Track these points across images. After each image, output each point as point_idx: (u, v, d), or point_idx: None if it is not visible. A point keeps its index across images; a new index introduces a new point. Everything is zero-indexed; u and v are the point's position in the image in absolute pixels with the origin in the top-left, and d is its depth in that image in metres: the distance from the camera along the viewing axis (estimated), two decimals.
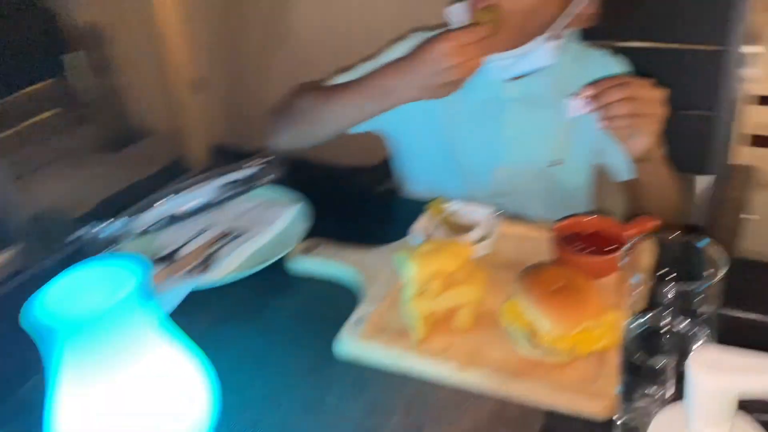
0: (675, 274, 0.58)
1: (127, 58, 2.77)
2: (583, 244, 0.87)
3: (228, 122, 2.80)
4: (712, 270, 0.55)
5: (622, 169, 1.11)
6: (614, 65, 1.13)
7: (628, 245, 0.83)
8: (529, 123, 1.12)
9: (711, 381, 0.43)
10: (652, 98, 0.89)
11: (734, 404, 0.43)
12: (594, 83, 0.90)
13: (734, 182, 1.30)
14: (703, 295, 0.54)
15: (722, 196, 1.25)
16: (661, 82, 1.28)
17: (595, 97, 0.89)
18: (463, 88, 1.10)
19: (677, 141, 1.34)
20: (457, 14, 1.07)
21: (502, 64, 1.05)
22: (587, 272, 0.82)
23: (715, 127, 1.26)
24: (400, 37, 1.22)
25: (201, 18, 2.51)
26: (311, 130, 1.15)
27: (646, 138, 0.92)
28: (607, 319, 0.72)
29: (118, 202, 1.04)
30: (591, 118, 1.08)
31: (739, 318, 0.78)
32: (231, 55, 2.66)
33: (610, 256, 0.82)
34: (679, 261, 0.60)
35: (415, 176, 1.26)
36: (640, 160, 0.98)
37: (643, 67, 1.29)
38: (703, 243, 0.57)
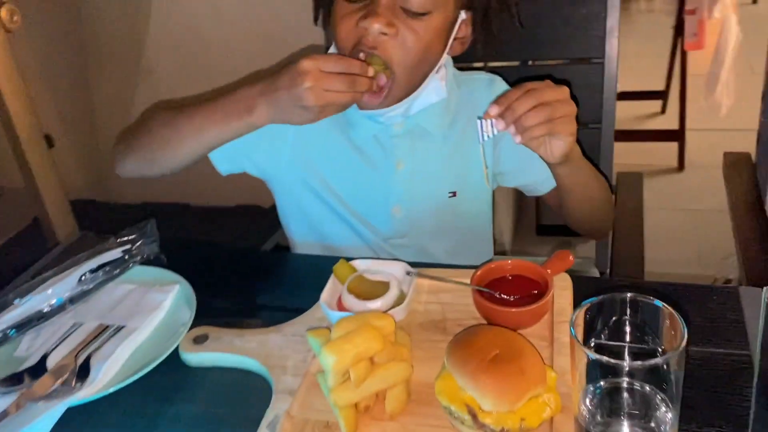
0: (629, 330, 0.53)
1: None
2: (503, 291, 0.81)
3: (90, 177, 2.58)
4: (671, 335, 0.50)
5: (541, 181, 1.07)
6: (497, 85, 1.11)
7: (551, 288, 0.78)
8: (422, 156, 1.06)
9: None
10: (560, 98, 0.84)
11: None
12: (498, 99, 0.84)
13: (628, 190, 1.30)
14: (668, 365, 0.49)
15: (622, 206, 1.24)
16: None
17: (505, 113, 0.83)
18: (347, 126, 1.03)
19: None
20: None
21: (397, 111, 0.98)
22: (515, 323, 0.76)
23: (603, 139, 1.26)
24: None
25: (47, 69, 2.31)
26: (163, 151, 0.99)
27: (565, 139, 0.87)
28: (550, 377, 0.66)
29: None
30: (490, 143, 1.04)
31: None
32: (84, 107, 2.46)
33: (538, 303, 0.76)
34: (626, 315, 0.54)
35: (303, 227, 1.15)
36: (561, 164, 0.92)
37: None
38: (659, 304, 0.51)
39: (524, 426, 0.63)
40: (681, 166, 2.87)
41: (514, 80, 1.14)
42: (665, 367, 0.48)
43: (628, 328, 0.54)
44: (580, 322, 0.54)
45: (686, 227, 2.45)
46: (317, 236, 1.12)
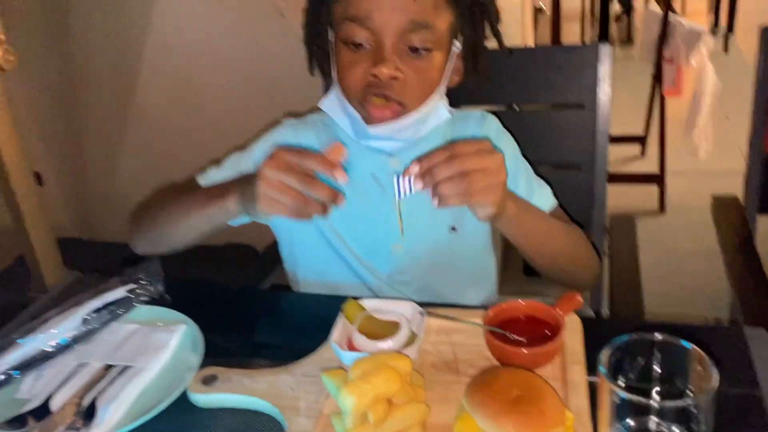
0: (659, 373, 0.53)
1: None
2: (515, 332, 0.81)
3: (77, 215, 2.56)
4: (700, 376, 0.51)
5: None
6: (488, 121, 1.12)
7: (564, 328, 0.79)
8: (420, 192, 1.06)
9: None
10: (487, 166, 0.82)
11: None
12: (421, 158, 0.82)
13: (620, 235, 1.32)
14: (698, 407, 0.49)
15: (616, 251, 1.26)
16: (537, 143, 1.32)
17: (424, 175, 0.81)
18: (345, 165, 1.03)
19: (561, 201, 1.36)
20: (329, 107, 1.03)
21: (407, 132, 1.00)
22: (529, 364, 0.77)
23: (596, 183, 1.29)
24: (275, 122, 1.14)
25: (39, 109, 2.31)
26: (162, 233, 1.05)
27: (486, 207, 0.85)
28: (568, 418, 0.66)
29: None
30: None
31: None
32: (73, 145, 2.46)
33: (551, 344, 0.77)
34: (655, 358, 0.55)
35: (306, 266, 1.15)
36: (493, 221, 0.92)
37: (521, 128, 1.32)
38: (687, 345, 0.53)
39: None
40: (662, 208, 2.93)
41: (507, 124, 1.18)
42: (695, 408, 0.49)
43: (654, 368, 0.55)
44: (605, 361, 0.55)
45: (670, 268, 2.48)
46: (319, 275, 1.12)
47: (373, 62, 0.94)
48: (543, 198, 1.10)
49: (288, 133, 1.11)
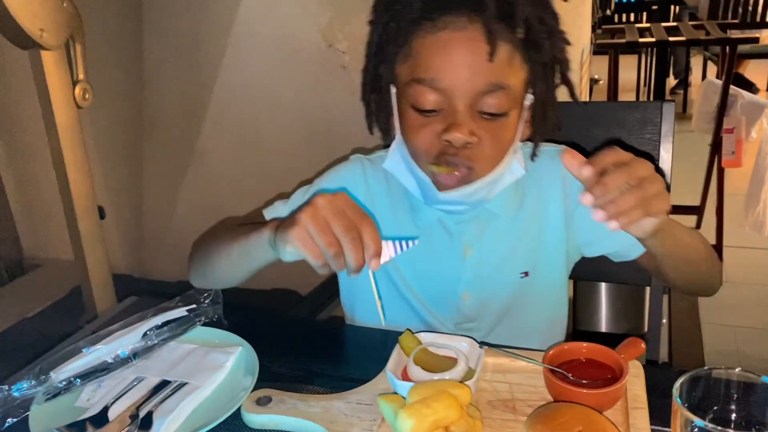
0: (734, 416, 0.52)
1: (21, 183, 2.59)
2: (576, 374, 0.79)
3: (131, 252, 2.63)
4: None
5: (629, 247, 1.00)
6: (558, 155, 1.08)
7: (627, 372, 0.77)
8: (491, 240, 1.03)
9: None
10: (649, 173, 0.74)
11: None
12: (591, 160, 0.73)
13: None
14: None
15: (676, 307, 1.23)
16: None
17: (597, 185, 0.72)
18: (411, 211, 1.03)
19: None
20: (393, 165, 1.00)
21: (479, 195, 0.95)
22: (590, 406, 0.74)
23: None
24: (342, 158, 1.15)
25: (104, 143, 2.41)
26: (212, 269, 1.02)
27: (659, 217, 0.76)
28: None
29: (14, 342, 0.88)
30: (564, 219, 1.03)
31: None
32: (134, 181, 2.55)
33: (614, 387, 0.75)
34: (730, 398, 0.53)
35: (362, 310, 1.12)
36: (650, 237, 0.82)
37: None
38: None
39: None
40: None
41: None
42: None
43: (733, 406, 0.53)
44: (677, 394, 0.53)
45: (727, 342, 2.39)
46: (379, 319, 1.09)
47: (446, 127, 0.88)
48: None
49: (356, 171, 1.08)
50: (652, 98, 5.40)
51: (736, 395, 0.53)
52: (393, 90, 0.96)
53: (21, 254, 2.70)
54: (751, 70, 5.18)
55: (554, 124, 1.00)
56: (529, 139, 1.01)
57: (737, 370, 0.53)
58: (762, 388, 0.52)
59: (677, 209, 3.24)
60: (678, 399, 0.51)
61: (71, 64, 1.92)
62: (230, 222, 1.11)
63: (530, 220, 1.04)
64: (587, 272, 1.27)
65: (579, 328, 2.45)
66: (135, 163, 2.52)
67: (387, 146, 1.04)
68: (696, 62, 5.67)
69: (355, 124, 1.10)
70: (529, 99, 0.95)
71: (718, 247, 2.85)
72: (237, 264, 0.97)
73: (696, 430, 0.49)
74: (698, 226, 3.30)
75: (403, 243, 0.80)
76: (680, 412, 0.51)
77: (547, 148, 1.05)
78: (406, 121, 0.94)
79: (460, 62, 0.87)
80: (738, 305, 2.66)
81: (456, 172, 0.91)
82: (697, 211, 3.29)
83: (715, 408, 0.54)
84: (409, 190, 1.00)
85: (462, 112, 0.88)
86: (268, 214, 1.08)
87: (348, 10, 2.13)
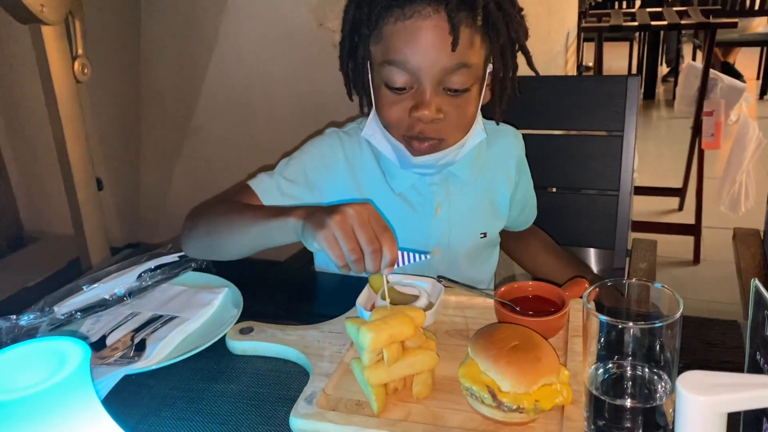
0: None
1: (20, 159, 2.67)
2: (523, 307, 0.89)
3: (128, 223, 2.72)
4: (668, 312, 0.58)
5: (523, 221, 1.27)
6: (520, 137, 1.23)
7: (568, 304, 0.86)
8: (457, 201, 1.15)
9: (701, 400, 0.44)
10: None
11: (724, 422, 0.45)
12: None
13: (641, 254, 1.39)
14: (663, 337, 0.57)
15: (635, 267, 1.32)
16: (567, 166, 1.42)
17: None
18: (387, 176, 1.13)
19: (588, 220, 1.45)
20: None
21: (447, 158, 1.06)
22: None
23: (619, 204, 1.37)
24: (318, 132, 1.23)
25: (102, 116, 2.49)
26: (218, 241, 1.04)
27: None
28: (563, 374, 0.73)
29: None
30: (510, 192, 1.18)
31: None
32: (131, 155, 2.63)
33: (554, 316, 0.85)
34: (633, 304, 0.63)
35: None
36: None
37: (553, 151, 1.42)
38: (658, 285, 0.60)
39: (538, 407, 0.70)
40: (696, 259, 2.95)
41: (542, 147, 1.27)
42: (661, 336, 0.56)
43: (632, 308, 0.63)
44: (591, 300, 0.63)
45: (702, 313, 2.49)
46: None
47: (415, 105, 0.99)
48: (531, 211, 1.32)
49: (335, 143, 1.16)
50: (644, 86, 5.50)
51: (635, 299, 0.63)
52: (368, 67, 1.05)
53: (21, 228, 2.79)
54: (741, 59, 5.27)
55: (513, 90, 1.11)
56: (489, 103, 1.12)
57: (634, 279, 0.63)
58: (654, 290, 0.62)
59: (661, 191, 3.30)
60: (586, 303, 0.61)
61: (70, 39, 2.00)
62: (223, 197, 1.12)
63: (488, 186, 1.19)
64: (555, 237, 1.38)
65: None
66: (132, 136, 2.60)
67: (362, 116, 1.14)
68: (687, 51, 5.76)
69: (344, 100, 1.17)
70: (489, 69, 1.06)
71: (697, 228, 2.94)
72: (252, 241, 0.99)
73: (600, 325, 0.59)
74: (681, 207, 3.41)
75: (415, 255, 0.91)
76: (589, 313, 0.60)
77: (509, 128, 1.22)
78: (380, 97, 1.03)
79: (427, 47, 0.96)
80: (711, 279, 2.76)
81: (427, 143, 1.02)
82: (680, 192, 3.39)
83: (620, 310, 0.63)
84: (385, 156, 1.10)
85: (429, 91, 0.98)
86: (254, 185, 1.12)
87: None
